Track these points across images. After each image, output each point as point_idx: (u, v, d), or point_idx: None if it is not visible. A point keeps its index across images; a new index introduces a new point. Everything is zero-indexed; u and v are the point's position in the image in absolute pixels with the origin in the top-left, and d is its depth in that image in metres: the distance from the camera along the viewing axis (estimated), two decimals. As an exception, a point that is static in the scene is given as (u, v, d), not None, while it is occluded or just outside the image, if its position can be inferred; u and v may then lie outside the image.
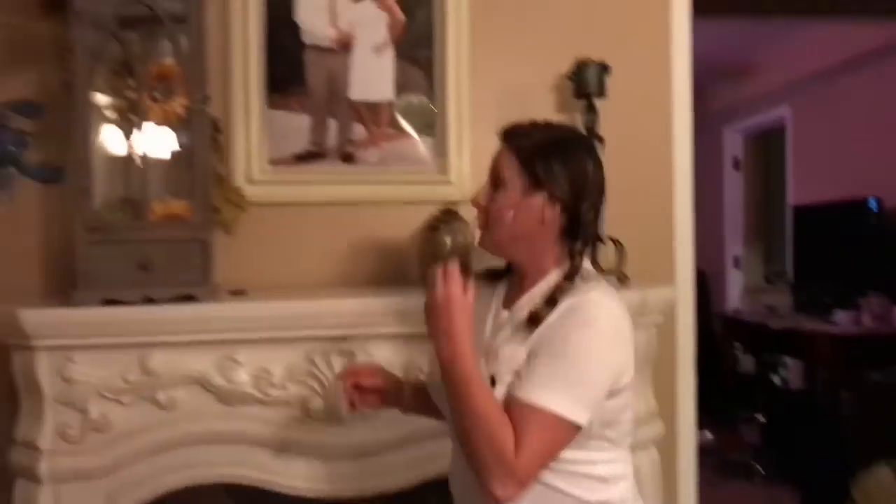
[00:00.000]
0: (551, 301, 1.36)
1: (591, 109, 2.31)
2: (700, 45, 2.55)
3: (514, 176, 1.42)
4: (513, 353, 1.36)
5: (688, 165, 2.51)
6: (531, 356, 1.33)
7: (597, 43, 2.39)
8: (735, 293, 6.74)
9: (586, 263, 1.44)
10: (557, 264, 1.43)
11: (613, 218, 2.31)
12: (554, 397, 1.27)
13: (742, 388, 5.10)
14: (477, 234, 1.50)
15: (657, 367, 2.21)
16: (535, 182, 1.41)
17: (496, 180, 1.45)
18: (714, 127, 6.72)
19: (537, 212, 1.41)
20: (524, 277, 1.47)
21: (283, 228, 2.33)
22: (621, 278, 2.22)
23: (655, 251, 2.46)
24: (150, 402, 1.91)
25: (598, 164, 1.46)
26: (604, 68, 2.30)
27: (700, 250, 2.63)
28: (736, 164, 6.84)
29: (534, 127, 1.48)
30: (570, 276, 1.39)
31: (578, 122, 2.36)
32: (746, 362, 5.64)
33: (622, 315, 1.37)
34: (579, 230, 1.42)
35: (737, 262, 6.81)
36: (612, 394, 1.34)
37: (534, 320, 1.36)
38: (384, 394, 1.67)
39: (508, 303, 1.48)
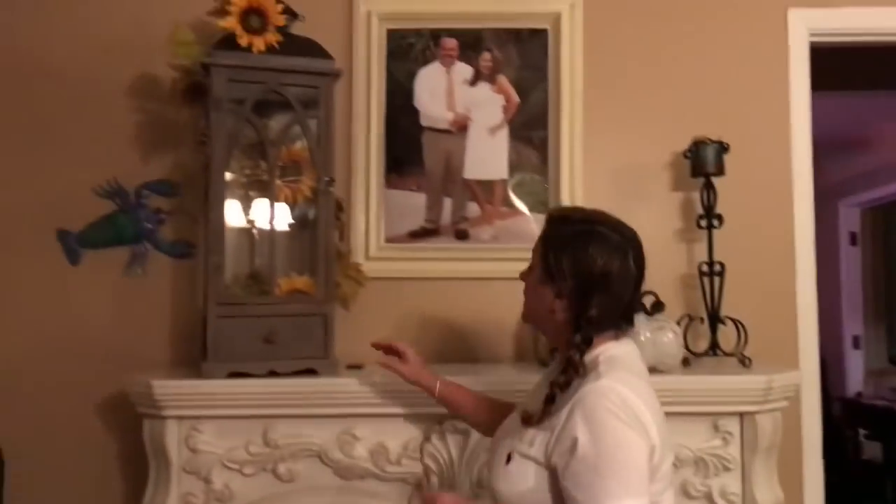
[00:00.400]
0: (549, 398, 1.37)
1: (709, 188, 2.28)
2: (814, 119, 2.49)
3: (537, 263, 1.48)
4: (532, 438, 1.37)
5: (810, 244, 2.43)
6: (563, 470, 1.30)
7: (714, 121, 2.38)
8: (856, 376, 6.37)
9: (614, 349, 1.42)
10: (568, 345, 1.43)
11: (733, 298, 2.27)
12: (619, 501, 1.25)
13: (869, 477, 4.78)
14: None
15: (782, 455, 2.11)
16: (548, 274, 1.44)
17: (532, 261, 1.51)
18: (829, 201, 6.49)
19: (548, 302, 1.45)
20: (563, 360, 1.45)
21: (398, 303, 2.38)
22: (743, 360, 2.15)
23: (778, 332, 2.37)
24: (271, 473, 1.95)
25: (627, 262, 1.44)
26: (722, 147, 2.28)
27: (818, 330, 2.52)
28: (853, 240, 6.56)
29: (574, 214, 1.51)
30: (566, 372, 1.38)
31: (696, 200, 2.34)
32: (872, 449, 5.29)
33: (635, 399, 1.31)
34: (582, 326, 1.40)
35: (857, 343, 6.46)
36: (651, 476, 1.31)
37: (525, 420, 1.39)
38: (412, 370, 1.78)
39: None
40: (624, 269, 1.44)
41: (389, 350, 1.82)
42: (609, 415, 1.28)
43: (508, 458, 1.39)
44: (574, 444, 1.28)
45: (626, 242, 1.46)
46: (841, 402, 5.23)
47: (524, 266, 1.55)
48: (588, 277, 1.41)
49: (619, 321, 1.46)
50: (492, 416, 1.70)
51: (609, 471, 1.26)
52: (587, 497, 1.26)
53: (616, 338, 1.45)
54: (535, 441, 1.36)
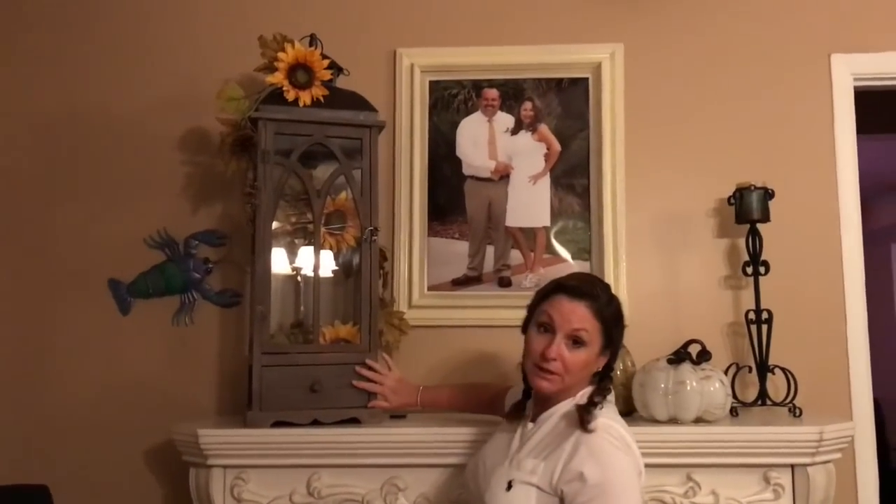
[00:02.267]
0: (585, 421, 1.55)
1: (754, 234, 2.26)
2: (864, 161, 2.46)
3: (595, 338, 1.63)
4: (534, 467, 1.55)
5: (860, 289, 2.38)
6: (574, 497, 1.48)
7: (758, 166, 2.36)
8: (916, 423, 6.16)
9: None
10: (582, 388, 1.65)
11: (783, 346, 2.23)
12: None
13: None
14: (548, 377, 1.62)
15: (836, 510, 2.05)
16: (609, 345, 1.66)
17: (576, 337, 1.62)
18: (882, 243, 6.36)
19: (599, 364, 1.67)
20: (550, 399, 1.65)
21: (441, 351, 2.39)
22: (793, 410, 2.10)
23: (829, 381, 2.31)
24: (315, 523, 1.95)
25: None
26: (767, 193, 2.26)
27: (873, 377, 2.45)
28: (907, 283, 6.40)
29: (597, 285, 1.70)
30: (594, 405, 1.59)
31: (741, 247, 2.32)
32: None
33: (625, 433, 1.58)
34: (605, 378, 1.67)
35: (916, 389, 6.25)
36: None
37: (583, 420, 1.56)
38: (393, 400, 2.04)
39: (535, 416, 1.68)
40: None
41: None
42: (611, 447, 1.52)
43: (509, 486, 1.55)
44: (582, 473, 1.48)
45: None
46: (900, 452, 5.04)
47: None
48: (622, 340, 1.72)
49: None
50: (478, 403, 2.04)
51: (615, 494, 1.47)
52: None
53: None
54: (538, 470, 1.54)
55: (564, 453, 1.53)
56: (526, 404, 1.76)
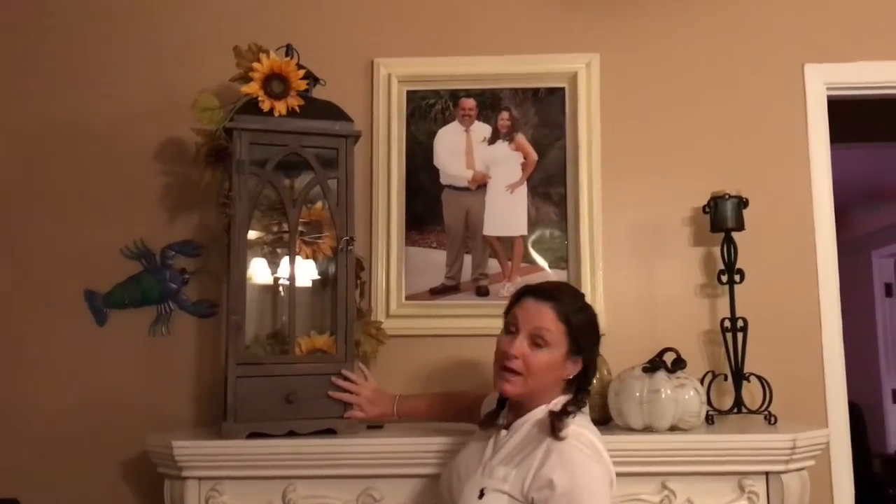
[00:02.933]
0: (556, 429, 1.56)
1: (729, 243, 2.27)
2: (841, 170, 2.48)
3: (559, 340, 1.63)
4: (505, 474, 1.56)
5: (835, 298, 2.40)
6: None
7: (733, 176, 2.38)
8: (896, 430, 6.20)
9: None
10: (556, 395, 1.66)
11: (758, 354, 2.24)
12: None
13: (912, 537, 4.61)
14: (510, 378, 1.64)
15: (813, 517, 2.06)
16: (578, 350, 1.65)
17: (538, 336, 1.63)
18: (861, 252, 6.41)
19: (567, 372, 1.66)
20: (524, 405, 1.67)
21: (419, 360, 2.38)
22: (769, 418, 2.11)
23: (805, 388, 2.33)
24: (290, 535, 1.94)
25: None
26: (741, 201, 2.27)
27: (854, 385, 2.47)
28: (888, 290, 6.45)
29: (565, 290, 1.74)
30: (566, 413, 1.60)
31: (717, 255, 2.33)
32: (914, 508, 5.12)
33: (597, 441, 1.58)
34: (587, 380, 1.69)
35: (896, 396, 6.30)
36: None
37: (555, 428, 1.56)
38: (370, 410, 2.03)
39: (508, 424, 1.69)
40: None
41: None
42: (581, 454, 1.52)
43: (481, 494, 1.56)
44: (552, 481, 1.48)
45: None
46: (881, 459, 5.07)
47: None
48: (597, 351, 1.73)
49: None
50: (456, 412, 2.05)
51: (584, 502, 1.47)
52: None
53: None
54: (510, 477, 1.55)
55: (535, 461, 1.53)
56: (500, 413, 1.76)
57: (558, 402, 1.64)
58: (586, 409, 1.70)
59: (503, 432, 1.68)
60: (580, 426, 1.59)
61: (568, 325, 1.64)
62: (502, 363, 1.64)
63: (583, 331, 1.66)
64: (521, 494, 1.52)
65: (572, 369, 1.66)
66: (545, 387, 1.65)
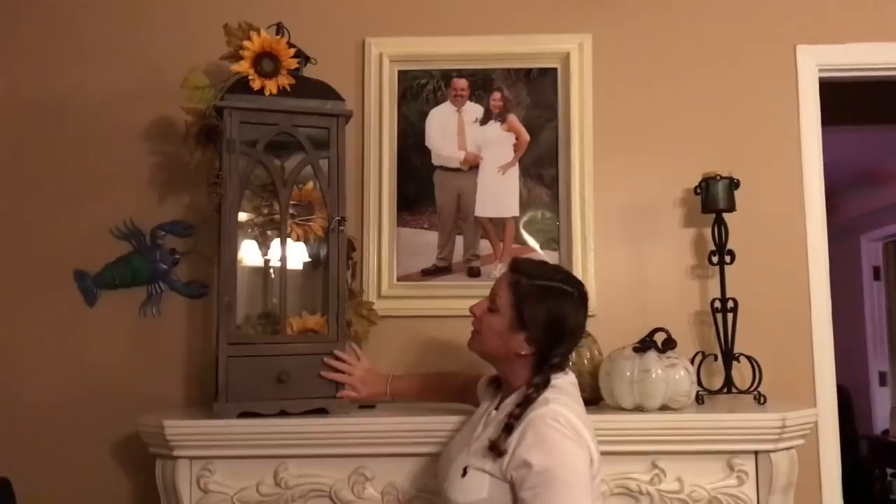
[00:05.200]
0: (508, 428, 1.55)
1: (720, 224, 2.28)
2: (832, 153, 2.48)
3: (506, 308, 1.67)
4: (486, 453, 1.57)
5: (824, 279, 2.41)
6: (521, 483, 1.49)
7: (724, 157, 2.38)
8: (882, 413, 6.25)
9: (558, 380, 1.64)
10: (527, 382, 1.64)
11: (748, 335, 2.26)
12: None
13: (897, 517, 4.67)
14: (472, 335, 1.76)
15: (801, 495, 2.07)
16: (521, 322, 1.65)
17: (493, 302, 1.69)
18: (851, 236, 6.45)
19: (516, 345, 1.66)
20: (509, 384, 1.71)
21: (410, 341, 2.39)
22: (758, 398, 2.12)
23: (794, 369, 2.35)
24: (281, 513, 1.94)
25: (583, 315, 1.71)
26: (732, 182, 2.28)
27: (841, 367, 2.49)
28: (876, 274, 6.49)
29: (540, 268, 1.73)
30: (522, 405, 1.58)
31: (707, 236, 2.34)
32: (900, 489, 5.19)
33: (576, 420, 1.55)
34: (543, 369, 1.64)
35: (883, 379, 6.35)
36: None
37: (493, 448, 1.55)
38: (363, 389, 2.02)
39: (499, 403, 1.71)
40: (581, 322, 1.71)
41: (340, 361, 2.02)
42: (557, 434, 1.51)
43: (464, 472, 1.58)
44: (528, 460, 1.49)
45: (582, 298, 1.70)
46: (867, 441, 5.12)
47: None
48: (557, 330, 1.65)
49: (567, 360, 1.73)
50: (448, 392, 2.06)
51: (562, 481, 1.47)
52: None
53: (563, 370, 1.68)
54: (484, 459, 1.56)
55: (514, 439, 1.54)
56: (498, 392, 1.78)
57: (520, 394, 1.64)
58: (575, 389, 1.69)
59: (493, 412, 1.70)
60: (562, 405, 1.57)
61: (515, 293, 1.66)
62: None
63: (527, 301, 1.64)
64: (500, 473, 1.53)
65: (519, 346, 1.65)
66: (498, 354, 1.70)
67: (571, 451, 1.51)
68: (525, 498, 1.48)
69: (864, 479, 4.76)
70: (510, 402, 1.65)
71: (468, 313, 2.30)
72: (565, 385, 1.66)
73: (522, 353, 1.65)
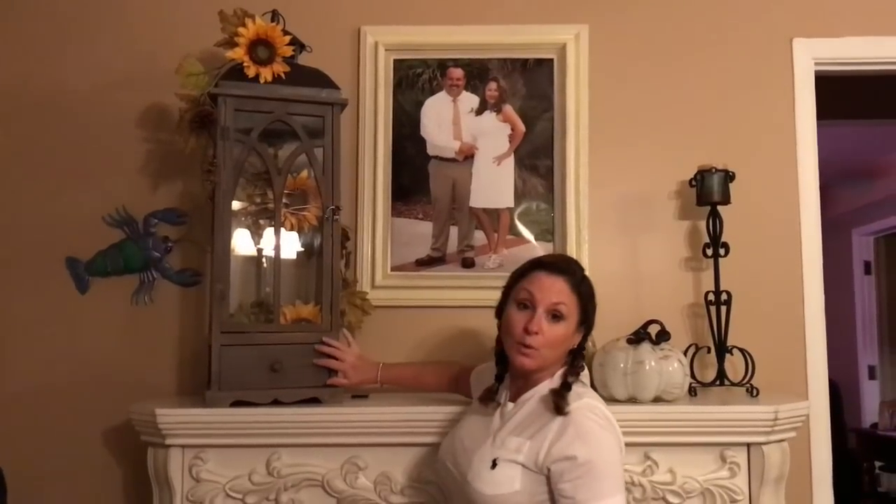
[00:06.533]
0: (558, 408, 1.58)
1: (715, 216, 2.28)
2: (824, 147, 2.49)
3: (572, 313, 1.67)
4: (518, 446, 1.58)
5: (818, 272, 2.41)
6: (561, 475, 1.52)
7: (720, 150, 2.38)
8: (871, 406, 6.29)
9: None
10: (559, 368, 1.69)
11: (741, 327, 2.26)
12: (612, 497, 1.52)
13: (884, 510, 4.70)
14: (529, 353, 1.65)
15: (792, 487, 2.08)
16: (585, 321, 1.70)
17: (555, 311, 1.66)
18: (842, 230, 6.47)
19: (572, 343, 1.70)
20: (529, 378, 1.69)
21: (404, 331, 2.38)
22: (751, 390, 2.13)
23: (787, 362, 2.35)
24: (273, 502, 1.94)
25: None
26: (728, 175, 2.28)
27: (831, 360, 2.49)
28: (867, 268, 6.52)
29: (574, 263, 1.78)
30: (568, 387, 1.63)
31: (702, 229, 2.34)
32: (888, 482, 5.22)
33: (607, 411, 1.63)
34: (577, 357, 1.71)
35: (872, 373, 6.39)
36: None
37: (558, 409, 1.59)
38: (353, 376, 2.02)
39: (514, 397, 1.70)
40: None
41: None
42: (596, 426, 1.57)
43: (494, 464, 1.58)
44: (572, 454, 1.51)
45: None
46: (856, 434, 5.15)
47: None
48: (595, 316, 1.74)
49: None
50: (440, 382, 2.07)
51: (602, 472, 1.51)
52: (588, 496, 1.50)
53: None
54: (524, 448, 1.57)
55: (551, 433, 1.56)
56: (499, 388, 1.76)
57: (559, 375, 1.67)
58: (587, 380, 1.75)
59: (510, 405, 1.70)
60: (591, 398, 1.64)
61: (579, 296, 1.68)
62: (521, 339, 1.64)
63: (589, 300, 1.71)
64: (535, 466, 1.55)
65: (576, 339, 1.70)
66: (558, 359, 1.69)
67: (609, 443, 1.57)
68: (564, 489, 1.51)
69: (853, 472, 4.79)
70: (539, 391, 1.66)
71: (462, 305, 2.33)
72: (583, 375, 1.72)
73: (575, 342, 1.70)
